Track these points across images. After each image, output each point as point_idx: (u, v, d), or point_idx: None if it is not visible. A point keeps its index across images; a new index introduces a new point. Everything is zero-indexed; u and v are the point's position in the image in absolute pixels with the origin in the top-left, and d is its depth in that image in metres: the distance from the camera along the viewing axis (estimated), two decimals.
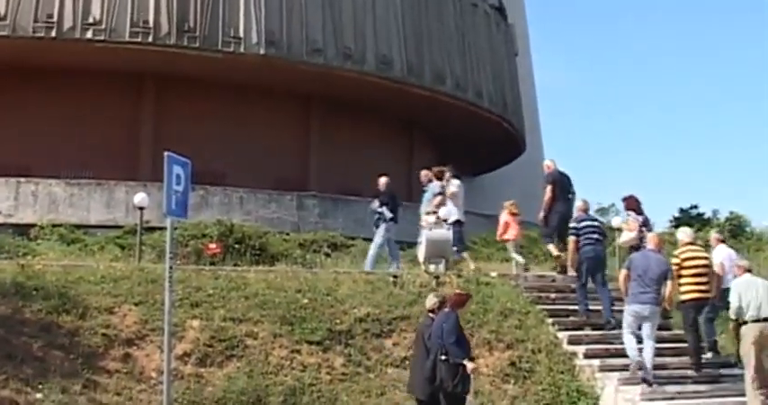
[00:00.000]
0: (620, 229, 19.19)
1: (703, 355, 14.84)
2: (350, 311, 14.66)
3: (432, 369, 11.39)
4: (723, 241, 16.02)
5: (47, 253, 19.50)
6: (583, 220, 16.31)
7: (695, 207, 41.47)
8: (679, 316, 15.09)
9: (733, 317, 13.61)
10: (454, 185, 18.90)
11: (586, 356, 14.58)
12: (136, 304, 13.93)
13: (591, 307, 15.84)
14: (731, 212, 35.13)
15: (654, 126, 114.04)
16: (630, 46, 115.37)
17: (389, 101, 36.84)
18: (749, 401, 13.25)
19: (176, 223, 12.43)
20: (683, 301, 14.51)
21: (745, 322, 13.48)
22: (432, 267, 17.38)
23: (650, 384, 13.68)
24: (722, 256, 15.22)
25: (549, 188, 17.94)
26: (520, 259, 18.95)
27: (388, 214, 18.57)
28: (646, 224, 16.83)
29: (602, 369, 14.29)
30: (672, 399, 13.67)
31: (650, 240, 14.83)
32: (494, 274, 17.53)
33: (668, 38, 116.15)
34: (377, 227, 18.73)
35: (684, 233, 15.22)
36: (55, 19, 30.78)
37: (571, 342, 15.00)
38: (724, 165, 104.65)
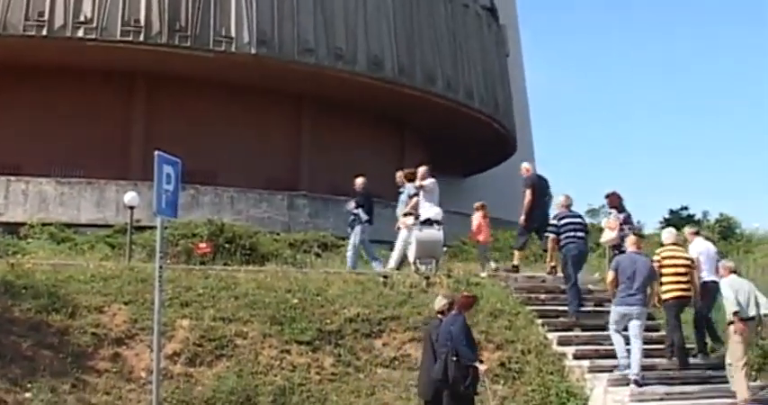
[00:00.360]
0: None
1: (691, 357, 14.93)
2: (340, 312, 14.65)
3: (443, 370, 11.45)
4: (698, 233, 16.09)
5: (37, 252, 19.45)
6: (564, 218, 16.28)
7: (685, 208, 41.54)
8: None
9: (734, 309, 13.73)
10: (428, 183, 18.84)
11: (576, 357, 14.60)
12: (125, 303, 13.91)
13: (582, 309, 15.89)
14: (721, 214, 35.28)
15: (645, 127, 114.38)
16: (622, 47, 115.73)
17: (380, 101, 36.87)
18: (738, 383, 13.55)
19: (166, 222, 12.42)
20: (665, 300, 14.61)
21: (731, 322, 13.72)
22: (423, 268, 17.39)
23: (640, 385, 13.73)
24: (699, 249, 15.29)
25: (528, 192, 17.88)
26: (492, 264, 18.96)
27: (364, 216, 18.60)
28: (627, 221, 16.79)
29: (592, 370, 14.30)
30: (661, 400, 13.68)
31: (630, 243, 14.81)
32: (483, 274, 17.56)
33: (660, 39, 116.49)
34: (352, 228, 18.77)
35: (668, 233, 15.34)
36: (46, 17, 30.75)
37: (561, 343, 15.02)
38: (715, 167, 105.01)
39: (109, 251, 21.03)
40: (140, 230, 21.47)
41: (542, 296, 16.66)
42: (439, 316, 12.28)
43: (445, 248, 19.25)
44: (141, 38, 31.39)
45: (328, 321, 14.35)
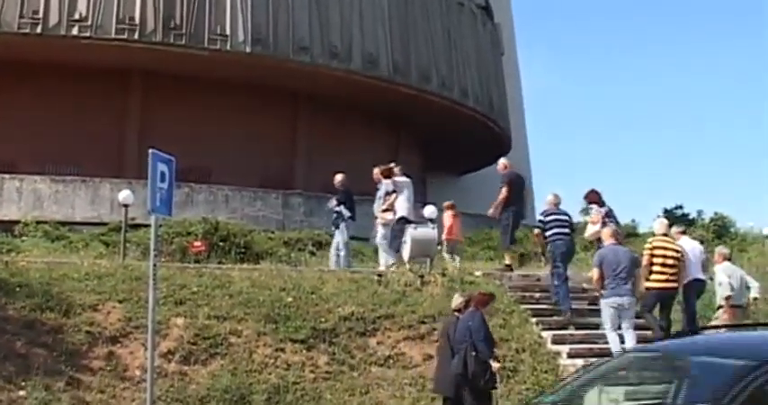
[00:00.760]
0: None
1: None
2: (334, 310, 14.66)
3: (463, 365, 11.58)
4: (684, 233, 16.33)
5: (31, 250, 19.46)
6: (550, 214, 16.47)
7: (680, 207, 41.62)
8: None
9: (727, 293, 13.91)
10: (401, 181, 18.92)
11: (570, 356, 14.62)
12: (120, 302, 13.91)
13: (573, 306, 15.97)
14: (716, 213, 35.34)
15: (641, 127, 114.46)
16: (618, 46, 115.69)
17: (375, 99, 36.85)
18: None
19: (161, 221, 12.44)
20: (649, 289, 14.80)
21: (720, 306, 13.99)
22: (450, 262, 17.50)
23: None
24: (685, 248, 15.45)
25: (505, 189, 17.96)
26: (456, 263, 19.00)
27: (347, 213, 18.66)
28: (609, 215, 16.98)
29: None
30: None
31: (608, 236, 14.94)
32: (478, 273, 17.57)
33: (656, 38, 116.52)
34: (336, 226, 18.83)
35: (659, 224, 15.62)
36: (40, 15, 30.69)
37: (555, 341, 15.05)
38: (710, 166, 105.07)
39: (103, 249, 21.02)
40: (135, 228, 21.45)
41: (537, 295, 16.68)
42: (455, 314, 12.51)
43: (440, 247, 19.27)
44: (136, 36, 31.35)
45: (323, 320, 14.36)
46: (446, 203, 20.29)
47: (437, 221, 19.28)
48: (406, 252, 17.70)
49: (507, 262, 18.45)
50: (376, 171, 19.23)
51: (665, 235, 15.23)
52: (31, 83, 32.26)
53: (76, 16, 30.91)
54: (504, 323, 15.23)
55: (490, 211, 18.12)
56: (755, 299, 14.64)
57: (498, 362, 12.22)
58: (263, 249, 21.64)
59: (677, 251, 14.91)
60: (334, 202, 19.00)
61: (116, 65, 32.43)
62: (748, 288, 14.46)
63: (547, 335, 15.18)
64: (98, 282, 14.39)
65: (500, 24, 47.75)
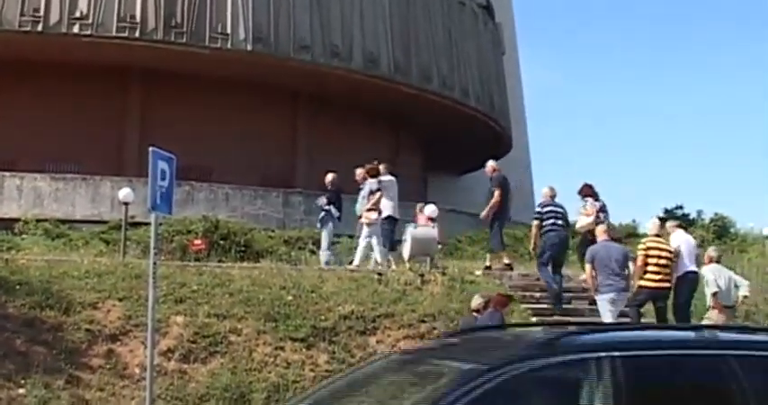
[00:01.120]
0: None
1: None
2: (334, 309, 14.67)
3: None
4: (680, 227, 16.52)
5: (31, 248, 19.46)
6: (547, 205, 16.68)
7: (680, 207, 41.61)
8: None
9: (713, 290, 14.17)
10: (387, 180, 18.97)
11: None
12: (120, 300, 13.91)
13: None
14: (716, 214, 35.35)
15: (641, 126, 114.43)
16: (620, 45, 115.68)
17: (376, 99, 36.83)
18: None
19: (161, 219, 12.43)
20: (641, 287, 14.95)
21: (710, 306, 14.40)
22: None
23: None
24: (679, 241, 15.61)
25: (497, 193, 18.02)
26: (427, 264, 18.99)
27: (336, 213, 18.75)
28: (603, 210, 17.24)
29: None
30: None
31: (601, 232, 15.21)
32: (478, 272, 17.58)
33: (658, 37, 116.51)
34: (323, 224, 18.92)
35: (652, 224, 15.78)
36: (41, 13, 30.67)
37: None
38: (710, 166, 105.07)
39: (103, 247, 21.02)
40: (135, 227, 21.44)
41: (537, 294, 16.69)
42: (474, 314, 12.76)
43: (440, 246, 19.29)
44: (137, 34, 31.33)
45: (323, 318, 14.37)
46: (420, 205, 20.36)
47: (436, 220, 19.28)
48: (406, 251, 17.72)
49: (507, 261, 18.48)
50: (359, 171, 19.34)
51: (658, 235, 15.44)
52: (31, 81, 32.24)
53: (77, 14, 30.89)
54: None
55: (483, 214, 18.15)
56: (745, 297, 14.82)
57: None
58: (263, 248, 21.64)
59: (670, 252, 15.11)
60: (324, 200, 19.15)
61: (117, 63, 32.41)
62: (737, 287, 14.62)
63: None
64: (98, 280, 14.39)
65: (501, 23, 47.73)
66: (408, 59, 37.14)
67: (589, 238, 16.51)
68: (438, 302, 15.38)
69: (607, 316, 14.46)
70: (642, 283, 14.88)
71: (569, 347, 5.44)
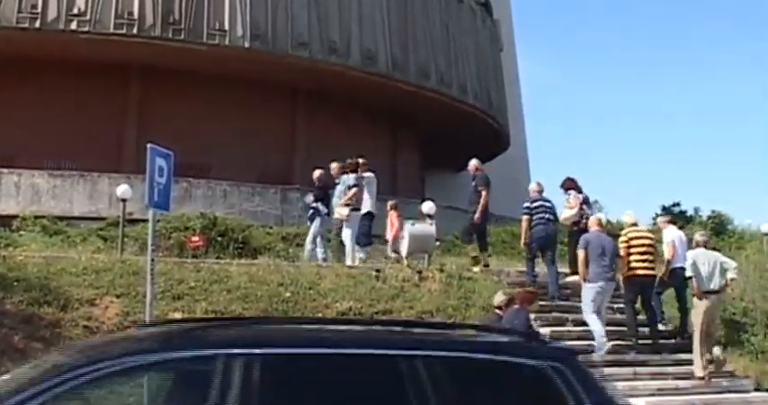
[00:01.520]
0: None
1: (659, 327, 15.69)
2: (332, 305, 14.69)
3: None
4: (671, 222, 17.04)
5: (29, 244, 19.44)
6: (536, 201, 17.01)
7: (677, 204, 41.62)
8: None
9: (689, 274, 14.50)
10: (367, 176, 19.00)
11: None
12: (117, 296, 13.91)
13: (538, 279, 16.94)
14: (713, 211, 35.39)
15: (640, 124, 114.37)
16: (619, 43, 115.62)
17: (374, 95, 36.81)
18: (695, 359, 14.36)
19: (159, 216, 12.42)
20: (629, 277, 15.18)
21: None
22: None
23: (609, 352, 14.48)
24: (672, 236, 16.05)
25: (485, 193, 18.15)
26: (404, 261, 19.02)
27: (324, 210, 18.76)
28: (586, 202, 17.68)
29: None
30: (651, 395, 13.74)
31: (594, 223, 15.61)
32: (476, 269, 17.59)
33: (657, 34, 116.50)
34: (311, 221, 18.91)
35: (628, 216, 16.06)
36: (39, 9, 30.63)
37: (553, 337, 15.02)
38: (707, 163, 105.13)
39: (101, 244, 21.00)
40: (133, 223, 21.42)
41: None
42: (497, 311, 12.61)
43: (438, 243, 19.31)
44: (135, 31, 31.30)
45: (320, 315, 14.37)
46: (390, 203, 20.35)
47: (434, 217, 19.28)
48: (404, 248, 17.73)
49: (474, 254, 18.52)
50: (334, 165, 19.39)
51: (635, 224, 15.76)
52: (29, 78, 32.20)
53: (75, 11, 30.86)
54: None
55: (477, 217, 18.10)
56: (733, 279, 14.93)
57: None
58: (261, 244, 21.64)
59: (650, 238, 15.43)
60: (311, 197, 19.16)
61: (115, 60, 32.38)
62: (725, 270, 14.68)
63: (545, 331, 15.18)
64: (96, 276, 14.39)
65: (499, 20, 47.73)
66: (406, 56, 37.13)
67: (574, 229, 16.80)
68: (436, 299, 15.40)
69: (589, 304, 14.72)
70: (629, 273, 15.11)
71: (191, 343, 5.20)
